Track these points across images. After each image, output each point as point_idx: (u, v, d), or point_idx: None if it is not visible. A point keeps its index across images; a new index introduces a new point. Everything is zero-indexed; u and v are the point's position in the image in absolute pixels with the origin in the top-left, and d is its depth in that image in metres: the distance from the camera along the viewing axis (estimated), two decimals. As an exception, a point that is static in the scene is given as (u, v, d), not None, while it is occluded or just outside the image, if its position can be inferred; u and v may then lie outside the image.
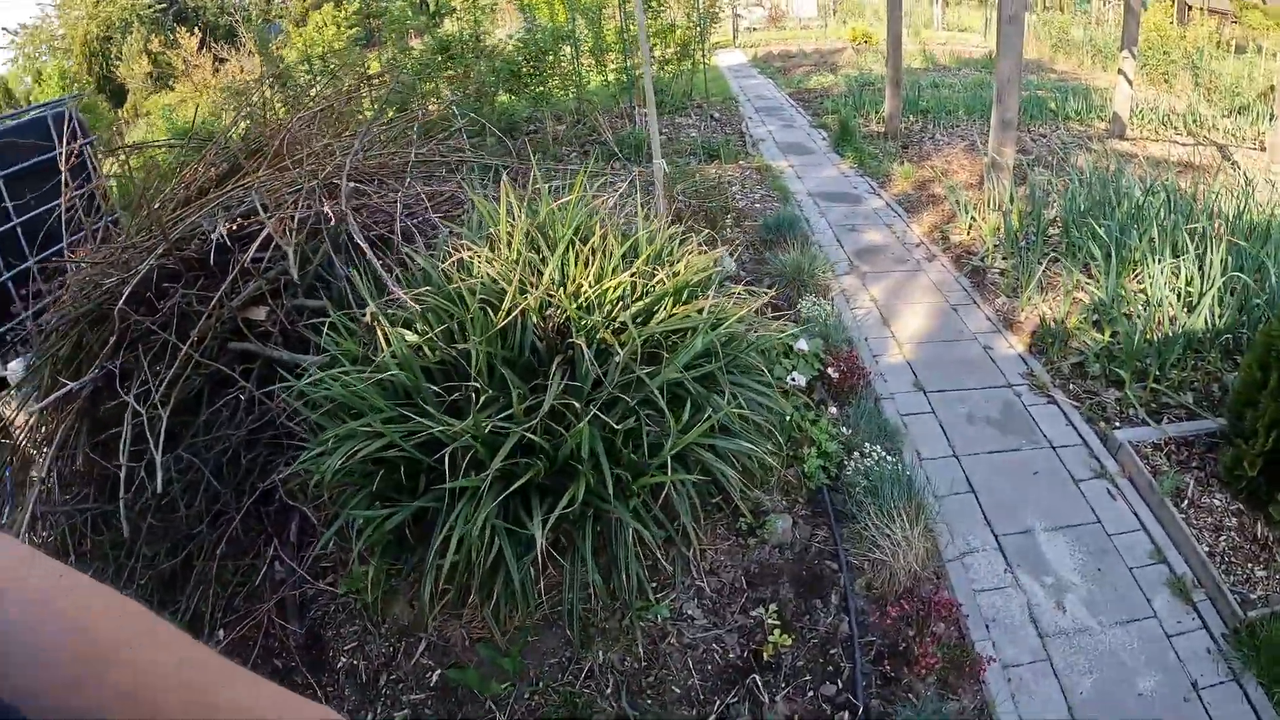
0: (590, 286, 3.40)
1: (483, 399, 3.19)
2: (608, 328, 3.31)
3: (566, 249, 3.54)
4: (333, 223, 4.05)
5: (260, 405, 4.17)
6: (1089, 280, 6.59)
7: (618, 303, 3.45)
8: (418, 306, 3.52)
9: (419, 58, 10.93)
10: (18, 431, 5.35)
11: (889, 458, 4.35)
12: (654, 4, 11.16)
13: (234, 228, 4.21)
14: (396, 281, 3.78)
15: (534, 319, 3.36)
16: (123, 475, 3.94)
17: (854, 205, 8.66)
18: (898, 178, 9.34)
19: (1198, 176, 9.79)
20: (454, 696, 3.69)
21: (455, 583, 3.32)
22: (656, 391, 3.20)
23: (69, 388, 4.27)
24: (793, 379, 4.61)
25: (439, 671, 3.80)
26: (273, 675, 4.03)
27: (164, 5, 21.64)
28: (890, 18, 10.91)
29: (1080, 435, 5.22)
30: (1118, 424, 5.32)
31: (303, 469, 3.59)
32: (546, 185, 4.19)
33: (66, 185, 5.43)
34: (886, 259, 7.41)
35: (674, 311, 3.46)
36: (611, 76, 11.50)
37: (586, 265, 3.48)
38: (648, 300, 3.46)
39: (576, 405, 3.17)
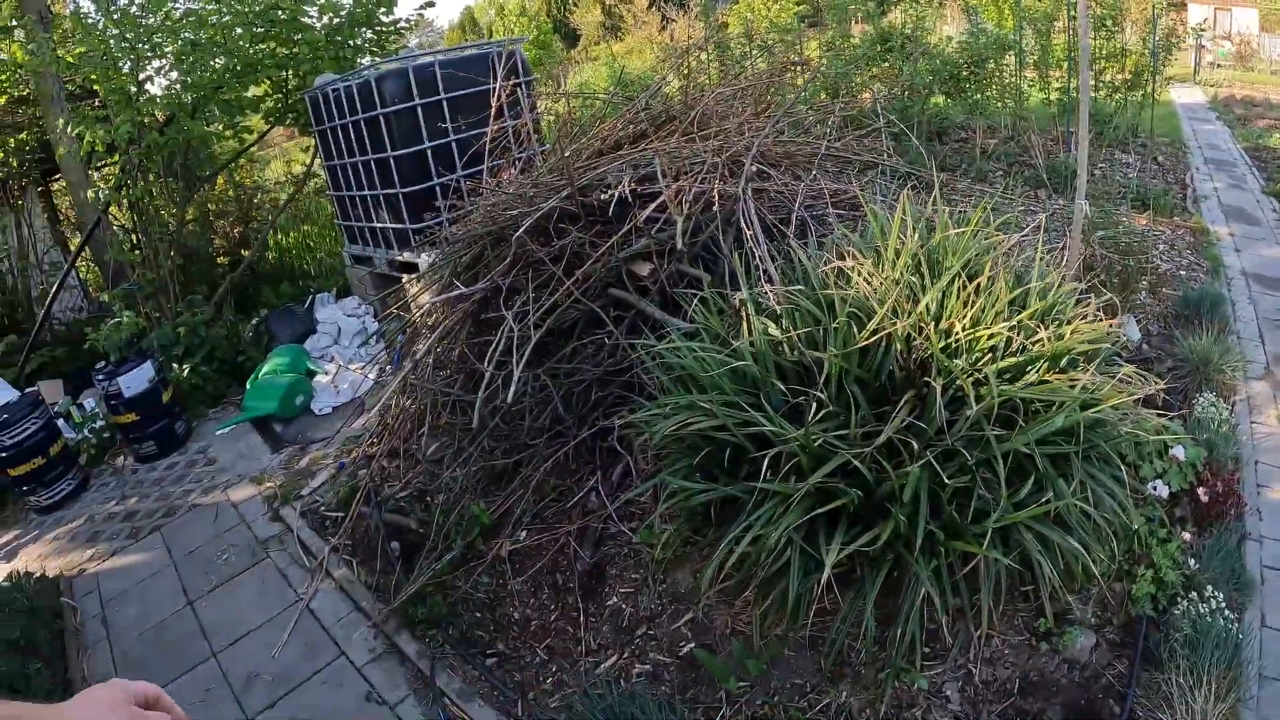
0: (963, 329, 3.31)
1: (822, 412, 3.25)
2: (969, 376, 3.21)
3: (950, 282, 3.46)
4: (728, 202, 4.26)
5: (622, 352, 4.53)
6: None
7: (988, 353, 3.33)
8: (788, 303, 3.63)
9: (856, 46, 10.92)
10: (417, 310, 6.22)
11: (1228, 612, 3.79)
12: (1108, 24, 10.28)
13: (635, 187, 4.55)
14: (778, 272, 3.92)
15: (898, 346, 3.35)
16: (486, 376, 4.48)
17: None
18: None
19: None
20: (694, 674, 3.87)
21: (741, 572, 3.46)
22: (999, 457, 3.08)
23: (461, 291, 4.90)
24: (1154, 488, 4.17)
25: (691, 645, 3.99)
26: (550, 589, 4.48)
27: (623, -39, 23.36)
28: None
29: None
30: None
31: (639, 422, 3.87)
32: (956, 205, 4.07)
33: (499, 116, 6.14)
34: None
35: (1046, 378, 3.28)
36: (1054, 95, 10.82)
37: (966, 305, 3.39)
38: (1021, 359, 3.30)
39: (915, 446, 3.14)
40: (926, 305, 3.32)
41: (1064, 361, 3.43)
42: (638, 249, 4.60)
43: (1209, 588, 3.90)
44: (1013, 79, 10.85)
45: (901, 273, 3.49)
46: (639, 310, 4.58)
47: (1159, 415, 4.57)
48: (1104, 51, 10.43)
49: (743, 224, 4.02)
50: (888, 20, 11.04)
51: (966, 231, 3.63)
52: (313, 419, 7.53)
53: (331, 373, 7.97)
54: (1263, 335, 6.70)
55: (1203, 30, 17.41)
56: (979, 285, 3.42)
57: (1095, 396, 3.28)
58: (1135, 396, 3.56)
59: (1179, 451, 4.40)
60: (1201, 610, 3.77)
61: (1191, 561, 4.12)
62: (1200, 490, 4.43)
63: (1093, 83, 10.98)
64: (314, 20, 9.34)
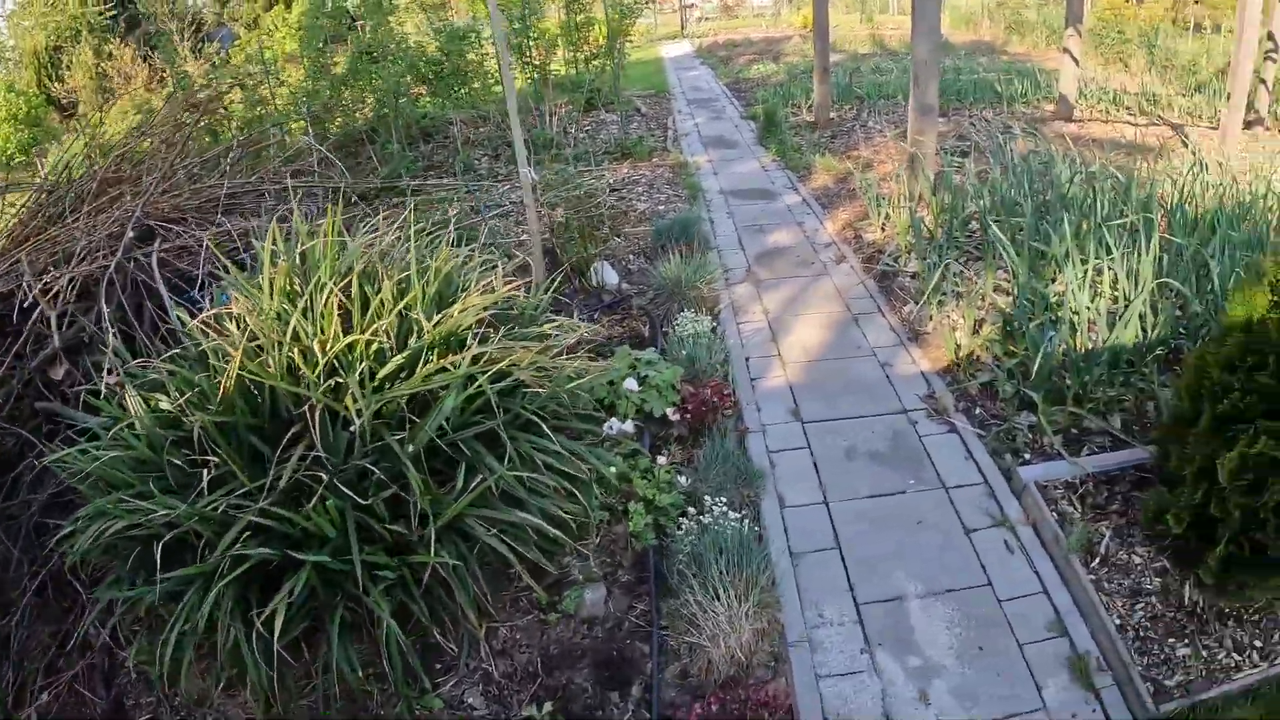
0: (330, 345, 3.09)
1: (219, 474, 2.93)
2: (345, 394, 2.99)
3: (319, 299, 3.21)
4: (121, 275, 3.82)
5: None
6: (1009, 283, 6.17)
7: (371, 358, 3.15)
8: (169, 370, 3.26)
9: (344, 66, 10.50)
10: None
11: (731, 515, 3.82)
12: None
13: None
14: (169, 335, 3.55)
15: (278, 384, 3.07)
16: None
17: (768, 202, 8.23)
18: (819, 170, 8.88)
19: (1146, 159, 9.38)
20: (229, 770, 3.45)
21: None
22: (408, 461, 2.92)
23: None
24: (610, 427, 4.21)
25: (216, 749, 3.57)
26: (83, 743, 3.85)
27: (113, 12, 21.01)
28: (816, 3, 10.56)
29: (981, 471, 4.67)
30: (1028, 456, 4.79)
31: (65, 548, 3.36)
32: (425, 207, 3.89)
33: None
34: (790, 262, 6.97)
35: (441, 364, 3.15)
36: (532, 75, 10.96)
37: (332, 319, 3.15)
38: (408, 353, 3.15)
39: (323, 477, 2.90)
40: (295, 329, 3.08)
41: (469, 339, 3.32)
42: (46, 354, 4.02)
43: (708, 497, 3.95)
44: (493, 67, 10.92)
45: (278, 302, 3.23)
46: (66, 417, 4.01)
47: (633, 349, 4.73)
48: (575, 23, 10.84)
49: (103, 303, 3.59)
50: (370, 34, 10.69)
51: (329, 237, 3.42)
52: None
53: None
54: (742, 243, 7.24)
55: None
56: (350, 291, 3.23)
57: (476, 368, 3.19)
58: (552, 349, 3.57)
59: (631, 384, 4.49)
60: (704, 522, 3.78)
61: (683, 479, 4.18)
62: (670, 412, 4.58)
63: (572, 54, 11.45)
64: None
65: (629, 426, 4.24)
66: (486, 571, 3.27)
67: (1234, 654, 3.79)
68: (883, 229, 7.33)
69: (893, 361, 5.64)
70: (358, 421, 2.88)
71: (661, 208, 7.93)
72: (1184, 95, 11.53)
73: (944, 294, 6.16)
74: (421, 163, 9.08)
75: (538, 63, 10.58)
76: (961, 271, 6.54)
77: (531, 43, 10.48)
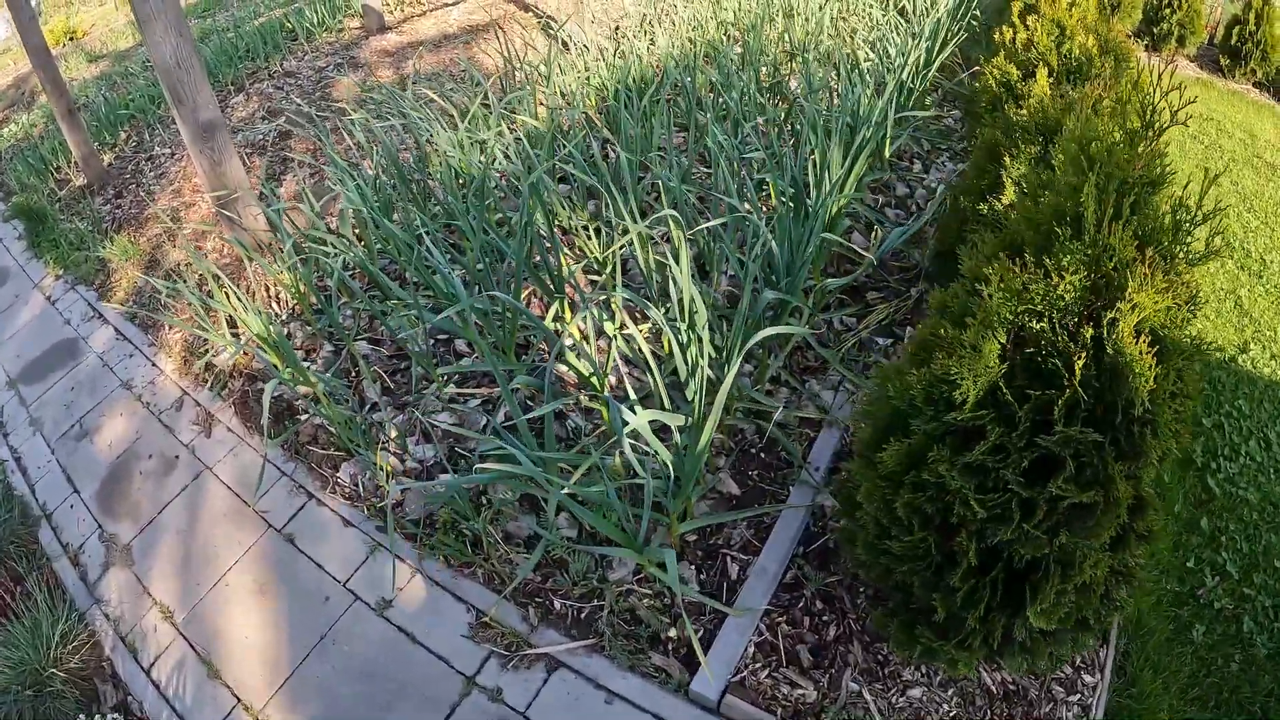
0: None
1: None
2: None
3: None
4: None
5: None
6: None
7: None
8: None
9: None
10: None
11: None
12: None
13: None
14: None
15: None
16: None
17: (74, 366, 4.85)
18: (118, 265, 5.55)
19: (501, 37, 7.65)
20: None
21: None
22: None
23: None
24: None
25: None
26: None
27: None
28: (21, 27, 6.54)
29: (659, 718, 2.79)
30: (672, 632, 2.99)
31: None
32: None
33: None
34: (149, 477, 4.00)
35: None
36: None
37: None
38: None
39: None
40: None
41: None
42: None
43: None
44: None
45: None
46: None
47: None
48: None
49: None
50: None
51: None
52: None
53: None
54: (73, 480, 4.11)
55: None
56: None
57: None
58: None
59: None
60: None
61: None
62: None
63: None
64: None
65: None
66: None
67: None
68: (238, 337, 4.46)
69: (387, 590, 3.27)
70: None
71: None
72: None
73: (378, 410, 3.97)
74: None
75: None
76: (371, 353, 4.33)
77: None
